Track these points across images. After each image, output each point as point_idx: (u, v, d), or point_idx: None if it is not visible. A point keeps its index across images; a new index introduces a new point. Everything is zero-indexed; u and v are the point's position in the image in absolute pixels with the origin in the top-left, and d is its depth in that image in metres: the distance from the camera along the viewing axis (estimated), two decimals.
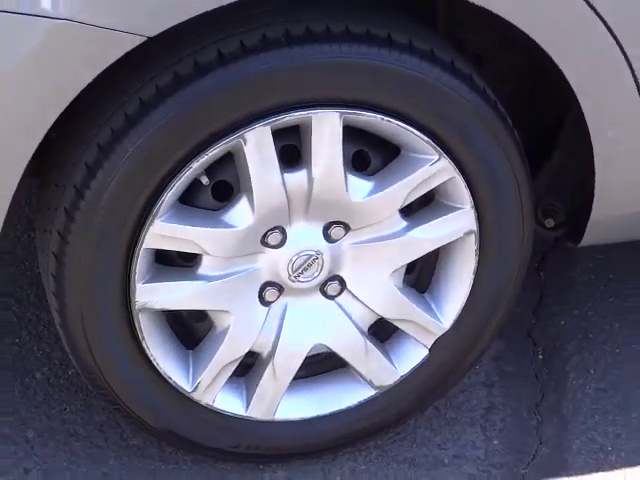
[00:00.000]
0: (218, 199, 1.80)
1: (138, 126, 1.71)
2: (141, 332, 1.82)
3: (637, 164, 1.97)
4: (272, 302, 1.88)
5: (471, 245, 1.92)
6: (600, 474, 1.95)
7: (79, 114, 1.68)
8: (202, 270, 1.83)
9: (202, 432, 1.98)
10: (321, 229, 1.85)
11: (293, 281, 1.87)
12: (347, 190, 1.80)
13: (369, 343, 1.94)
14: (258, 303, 1.87)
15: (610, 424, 2.08)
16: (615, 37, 1.82)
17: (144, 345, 1.83)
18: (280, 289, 1.87)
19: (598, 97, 1.89)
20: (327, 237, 1.85)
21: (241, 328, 1.89)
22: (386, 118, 1.77)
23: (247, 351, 1.90)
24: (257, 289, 1.87)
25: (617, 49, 1.83)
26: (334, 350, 1.94)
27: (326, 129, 1.76)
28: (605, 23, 1.80)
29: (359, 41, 1.75)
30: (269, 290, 1.87)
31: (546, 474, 1.98)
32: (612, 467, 1.97)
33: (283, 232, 1.82)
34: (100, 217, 1.75)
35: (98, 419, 2.04)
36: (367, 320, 1.94)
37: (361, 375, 1.96)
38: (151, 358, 1.84)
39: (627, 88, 1.86)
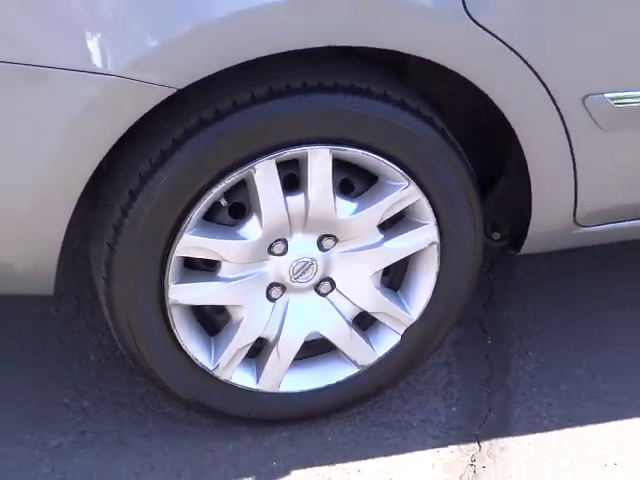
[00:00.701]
0: (234, 217, 1.82)
1: (170, 159, 1.72)
2: (173, 323, 1.85)
3: (564, 193, 1.98)
4: (277, 299, 1.91)
5: (434, 254, 1.94)
6: (536, 435, 1.99)
7: (125, 149, 1.70)
8: (221, 273, 1.85)
9: (222, 402, 2.01)
10: (315, 241, 1.88)
11: (293, 282, 1.90)
12: (336, 210, 1.83)
13: (353, 331, 1.97)
14: (265, 299, 1.90)
15: (544, 395, 2.11)
16: (548, 90, 1.84)
17: (175, 333, 1.85)
18: (283, 288, 1.90)
19: (534, 137, 1.91)
20: (320, 247, 1.88)
21: (252, 319, 1.91)
22: (366, 153, 1.79)
23: (257, 337, 1.93)
24: (265, 288, 1.89)
25: (550, 101, 1.86)
26: (326, 336, 1.96)
27: (319, 161, 1.79)
28: (540, 78, 1.82)
29: (344, 92, 1.76)
30: (274, 289, 1.90)
31: (494, 435, 2.00)
32: (546, 430, 2.01)
33: (285, 243, 1.85)
34: (141, 232, 1.77)
35: (139, 392, 2.06)
36: (352, 313, 1.97)
37: (347, 356, 1.99)
38: (181, 343, 1.86)
39: (557, 130, 1.88)
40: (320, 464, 1.92)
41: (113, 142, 1.67)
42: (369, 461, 1.93)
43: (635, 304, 2.35)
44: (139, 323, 1.86)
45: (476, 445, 1.98)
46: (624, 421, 2.04)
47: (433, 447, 1.97)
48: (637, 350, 2.27)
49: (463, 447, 1.98)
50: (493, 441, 1.99)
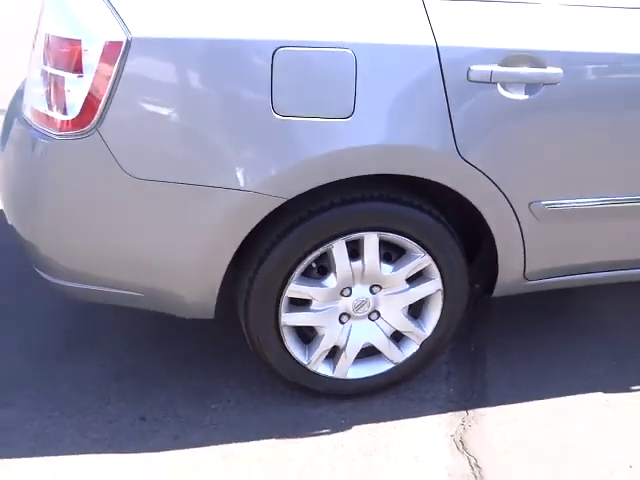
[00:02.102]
0: (320, 273, 1.95)
1: (283, 241, 1.82)
2: (283, 336, 1.97)
3: (517, 260, 1.99)
4: (345, 322, 2.02)
5: (439, 295, 2.04)
6: (504, 407, 2.08)
7: (251, 236, 1.78)
8: (312, 307, 1.97)
9: (312, 383, 2.07)
10: (368, 288, 2.00)
11: (355, 313, 2.02)
12: (380, 270, 1.95)
13: (391, 342, 2.08)
14: (338, 323, 2.02)
15: (510, 382, 2.19)
16: (508, 200, 1.88)
17: (285, 343, 1.98)
18: (349, 316, 2.02)
19: (499, 225, 1.93)
20: (371, 291, 2.01)
21: (330, 335, 2.02)
22: (399, 236, 1.91)
23: (332, 346, 2.02)
24: (337, 316, 2.01)
25: (509, 205, 1.89)
26: (374, 345, 2.07)
27: (370, 242, 1.90)
28: (503, 193, 1.86)
29: (386, 200, 1.86)
30: (343, 316, 2.02)
31: (477, 406, 2.08)
32: (508, 403, 2.11)
33: (350, 289, 1.97)
34: (264, 284, 1.86)
35: (258, 381, 2.16)
36: (390, 331, 2.07)
37: (387, 357, 2.10)
38: (288, 349, 1.99)
39: (513, 221, 1.92)
40: (369, 422, 2.02)
41: (245, 234, 1.77)
42: (400, 421, 2.04)
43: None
44: (265, 338, 1.97)
45: (465, 412, 2.08)
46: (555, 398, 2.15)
47: (438, 413, 2.08)
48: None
49: (457, 413, 2.07)
50: (476, 410, 2.08)
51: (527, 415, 2.05)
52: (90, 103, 1.64)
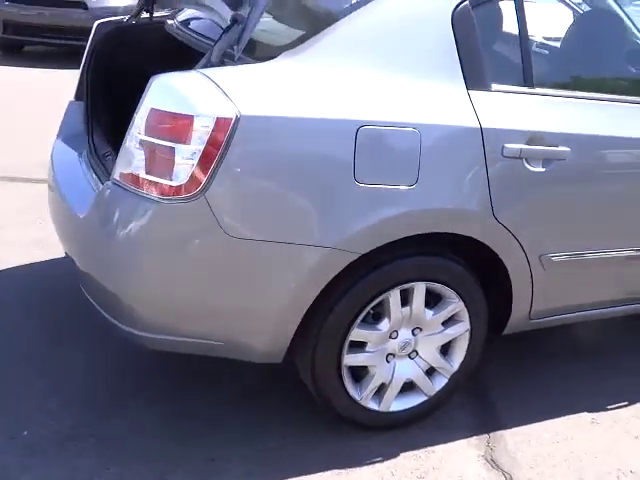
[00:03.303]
0: (374, 318, 2.13)
1: (351, 291, 2.00)
2: (343, 376, 2.14)
3: (526, 303, 2.27)
4: (390, 361, 2.22)
5: (467, 335, 2.29)
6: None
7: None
8: (367, 349, 2.16)
9: (362, 417, 2.25)
10: (411, 330, 2.22)
11: (399, 353, 2.23)
12: (424, 314, 2.18)
13: (426, 377, 2.30)
14: (385, 362, 2.22)
15: (522, 403, 2.49)
16: (525, 252, 2.17)
17: (344, 382, 2.15)
18: (394, 355, 2.23)
19: (516, 273, 2.20)
20: (413, 333, 2.23)
21: (380, 373, 2.21)
22: (441, 285, 2.16)
23: (382, 384, 2.22)
24: (385, 356, 2.21)
25: (525, 257, 2.18)
26: (414, 380, 2.28)
27: (419, 290, 2.15)
28: (522, 247, 2.16)
29: (432, 255, 2.12)
30: (389, 356, 2.22)
31: (498, 426, 2.36)
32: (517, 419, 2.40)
33: (397, 332, 2.19)
34: (333, 329, 2.03)
35: (311, 418, 2.29)
36: (425, 367, 2.29)
37: (422, 390, 2.31)
38: (346, 387, 2.17)
39: (526, 270, 2.21)
40: (411, 449, 2.22)
41: (324, 285, 1.95)
42: (436, 447, 2.25)
43: None
44: (327, 378, 2.14)
45: (487, 435, 2.33)
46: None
47: (465, 437, 2.30)
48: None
49: (481, 437, 2.32)
50: (496, 432, 2.33)
51: (537, 433, 2.33)
52: (200, 172, 1.79)
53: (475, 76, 2.04)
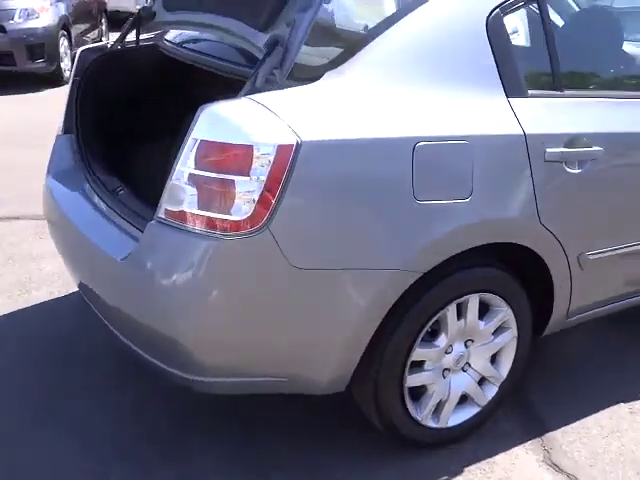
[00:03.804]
0: (431, 336, 2.10)
1: (411, 310, 1.95)
2: (405, 397, 2.11)
3: (565, 302, 2.30)
4: (446, 377, 2.20)
5: (514, 343, 2.29)
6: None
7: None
8: (425, 367, 2.13)
9: (424, 436, 2.24)
10: (463, 343, 2.20)
11: (454, 367, 2.21)
12: (478, 326, 2.17)
13: (478, 388, 2.29)
14: (442, 378, 2.20)
15: (558, 404, 2.51)
16: (565, 253, 2.18)
17: (406, 403, 2.11)
18: (449, 370, 2.20)
19: (557, 275, 2.21)
20: (465, 346, 2.20)
21: (438, 390, 2.19)
22: (490, 295, 2.14)
23: (439, 401, 2.19)
24: (442, 372, 2.19)
25: (565, 258, 2.20)
26: (468, 392, 2.27)
27: (473, 303, 2.13)
28: (563, 248, 2.17)
29: (487, 266, 2.11)
30: (445, 372, 2.20)
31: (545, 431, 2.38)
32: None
33: (452, 347, 2.17)
34: (396, 350, 1.99)
35: (369, 446, 2.26)
36: (477, 378, 2.28)
37: (475, 402, 2.30)
38: (408, 408, 2.13)
39: (566, 270, 2.23)
40: (474, 462, 2.21)
41: (388, 309, 1.90)
42: (496, 457, 2.25)
43: None
44: (390, 400, 2.08)
45: (540, 440, 2.34)
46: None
47: (519, 444, 2.31)
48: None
49: (534, 441, 2.33)
50: (546, 436, 2.35)
51: (585, 431, 2.35)
52: (263, 203, 1.69)
53: (512, 83, 2.01)
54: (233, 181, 1.70)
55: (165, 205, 1.82)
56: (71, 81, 2.64)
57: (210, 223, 1.73)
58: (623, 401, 2.53)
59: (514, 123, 2.01)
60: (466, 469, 2.18)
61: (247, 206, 1.70)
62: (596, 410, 2.47)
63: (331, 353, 1.91)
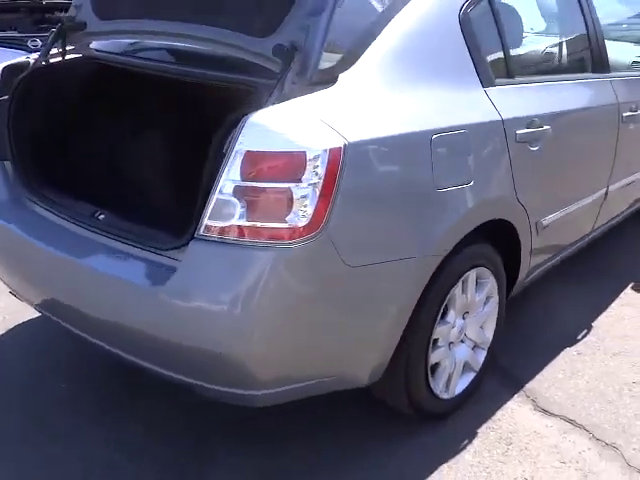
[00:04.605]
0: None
1: (432, 293, 2.05)
2: (429, 375, 2.22)
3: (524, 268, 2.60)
4: (451, 350, 2.33)
5: (496, 308, 2.47)
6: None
7: None
8: (439, 344, 2.24)
9: (440, 409, 2.34)
10: (461, 316, 2.33)
11: (456, 340, 2.34)
12: (475, 298, 2.33)
13: (474, 353, 2.45)
14: (449, 351, 2.32)
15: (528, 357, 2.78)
16: (529, 218, 2.40)
17: (429, 380, 2.23)
18: (453, 343, 2.33)
19: (523, 236, 2.42)
20: (463, 318, 2.34)
21: (449, 364, 2.32)
22: (483, 268, 2.31)
23: (449, 374, 2.33)
24: (449, 345, 2.31)
25: (528, 222, 2.41)
26: (468, 360, 2.42)
27: (472, 277, 2.29)
28: (527, 215, 2.38)
29: (479, 242, 2.24)
30: (451, 343, 2.32)
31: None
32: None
33: (455, 322, 2.28)
34: (422, 331, 2.09)
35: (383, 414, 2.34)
36: (472, 346, 2.43)
37: (472, 367, 2.45)
38: (430, 385, 2.24)
39: (529, 232, 2.44)
40: (481, 423, 2.36)
41: (420, 293, 1.99)
42: (492, 413, 2.43)
43: None
44: (418, 379, 2.18)
45: (522, 392, 2.55)
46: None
47: (509, 397, 2.51)
48: None
49: (520, 395, 2.54)
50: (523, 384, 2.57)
51: (552, 378, 2.59)
52: (320, 207, 1.68)
53: (485, 74, 2.19)
54: (288, 189, 1.68)
55: (208, 221, 1.74)
56: None
57: (267, 233, 1.69)
58: (569, 346, 2.87)
59: (493, 110, 2.18)
60: (478, 430, 2.32)
61: (304, 212, 1.68)
62: (553, 358, 2.76)
63: (376, 345, 1.96)
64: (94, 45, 2.52)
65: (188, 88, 2.25)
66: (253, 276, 1.71)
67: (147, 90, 2.50)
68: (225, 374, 1.82)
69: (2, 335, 2.81)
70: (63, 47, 2.45)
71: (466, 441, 2.27)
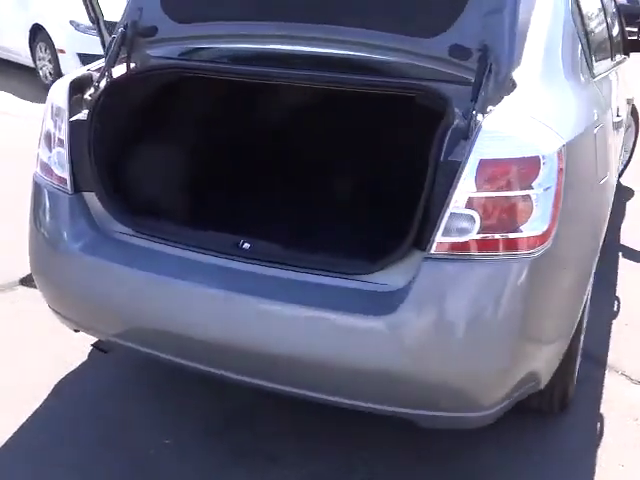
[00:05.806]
0: None
1: None
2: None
3: None
4: None
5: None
6: None
7: None
8: None
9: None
10: None
11: None
12: None
13: None
14: None
15: None
16: None
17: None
18: None
19: None
20: None
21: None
22: None
23: None
24: None
25: None
26: None
27: None
28: None
29: None
30: None
31: None
32: None
33: None
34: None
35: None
36: None
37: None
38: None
39: None
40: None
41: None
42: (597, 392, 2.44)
43: None
44: (571, 374, 2.17)
45: None
46: None
47: None
48: None
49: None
50: None
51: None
52: (554, 212, 1.61)
53: (591, 68, 2.28)
54: (528, 196, 1.58)
55: (440, 239, 1.58)
56: (68, 123, 1.97)
57: (510, 245, 1.57)
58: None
59: (603, 102, 2.28)
60: (601, 412, 2.31)
61: (542, 218, 1.60)
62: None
63: (567, 339, 1.89)
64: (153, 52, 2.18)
65: (329, 96, 2.06)
66: (502, 291, 1.59)
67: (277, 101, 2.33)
68: (458, 400, 1.67)
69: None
70: (128, 58, 2.10)
71: (598, 424, 2.27)
